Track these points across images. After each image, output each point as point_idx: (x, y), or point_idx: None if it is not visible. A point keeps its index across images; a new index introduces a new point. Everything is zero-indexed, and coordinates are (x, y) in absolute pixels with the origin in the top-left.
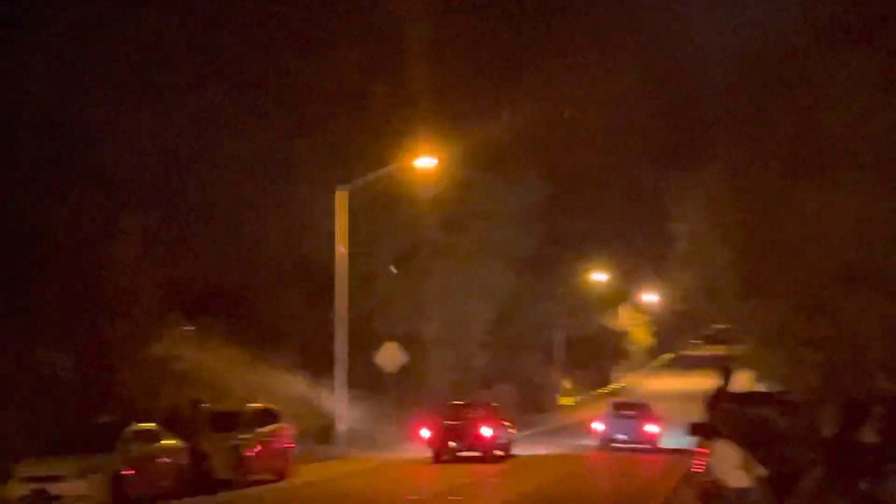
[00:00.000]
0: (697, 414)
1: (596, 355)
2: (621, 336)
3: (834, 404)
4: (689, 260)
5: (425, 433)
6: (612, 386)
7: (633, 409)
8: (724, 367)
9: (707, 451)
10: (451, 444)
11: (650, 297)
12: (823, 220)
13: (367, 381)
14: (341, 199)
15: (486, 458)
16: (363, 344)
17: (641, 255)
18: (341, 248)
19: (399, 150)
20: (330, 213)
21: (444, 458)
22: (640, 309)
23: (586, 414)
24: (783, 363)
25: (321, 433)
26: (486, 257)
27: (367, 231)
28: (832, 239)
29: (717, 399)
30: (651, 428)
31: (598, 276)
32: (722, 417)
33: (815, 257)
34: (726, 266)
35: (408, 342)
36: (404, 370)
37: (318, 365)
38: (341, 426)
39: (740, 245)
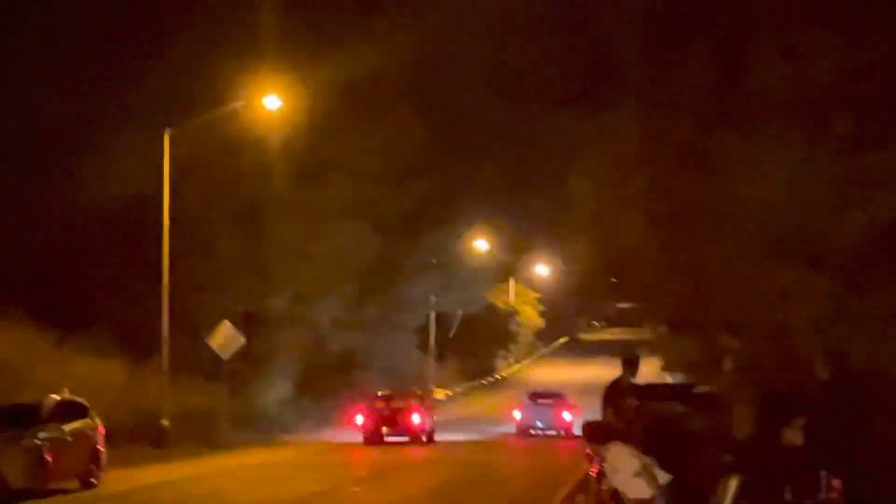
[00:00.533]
0: (594, 410)
1: (478, 339)
2: (509, 316)
3: (753, 399)
4: (590, 226)
5: (359, 419)
6: (497, 375)
7: (549, 398)
8: (628, 355)
9: (601, 453)
10: (384, 429)
11: (543, 271)
12: (748, 181)
13: (200, 367)
14: (167, 144)
15: (415, 443)
16: (195, 322)
17: (533, 219)
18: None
19: (242, 89)
20: (158, 166)
21: (374, 441)
22: (530, 285)
23: (462, 410)
24: (697, 350)
25: (145, 429)
26: (346, 218)
27: (203, 186)
28: (759, 204)
29: (617, 392)
30: (567, 416)
31: (482, 245)
32: (622, 415)
33: (739, 226)
34: (634, 234)
35: (250, 320)
36: (244, 354)
37: (143, 348)
38: (164, 421)
39: (652, 210)
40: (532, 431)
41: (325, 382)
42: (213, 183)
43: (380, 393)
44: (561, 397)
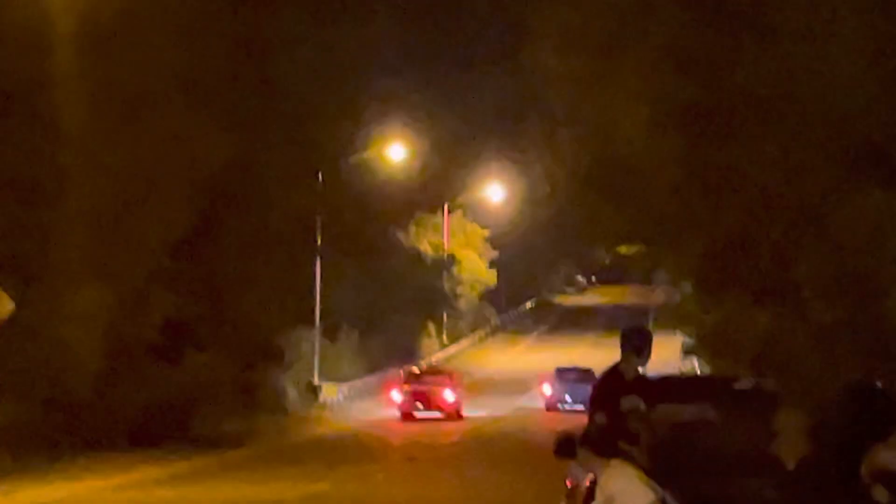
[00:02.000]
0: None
1: (392, 305)
2: (441, 267)
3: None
4: (567, 122)
5: (396, 396)
6: (419, 364)
7: (577, 373)
8: (633, 330)
9: (593, 473)
10: (418, 405)
11: (494, 195)
12: (820, 50)
13: None
14: None
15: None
16: None
17: (477, 113)
18: None
19: None
20: None
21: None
22: (475, 218)
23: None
24: (740, 318)
25: None
26: (172, 108)
27: None
28: (836, 88)
29: (615, 388)
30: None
31: (397, 153)
32: (622, 423)
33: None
34: (638, 133)
35: (22, 276)
36: (9, 330)
37: None
38: None
39: (667, 94)
40: (560, 407)
41: (135, 375)
42: None
43: (415, 370)
44: (590, 373)
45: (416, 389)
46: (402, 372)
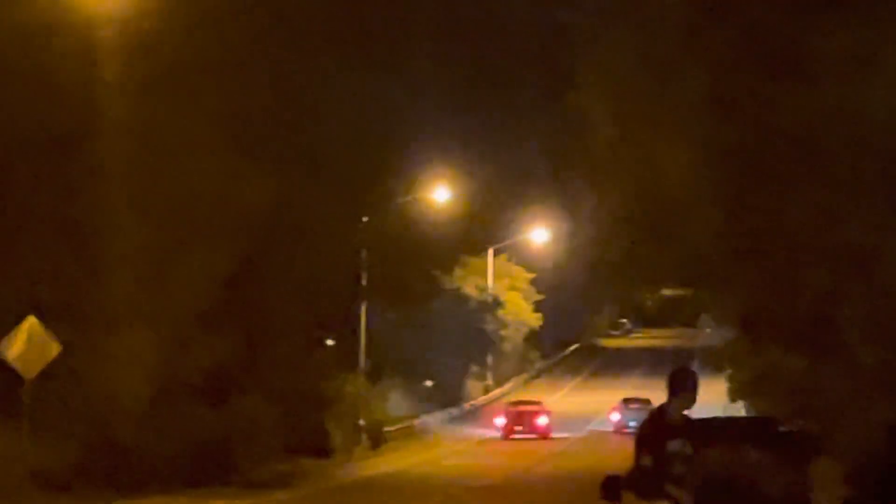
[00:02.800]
0: (623, 460)
1: (436, 347)
2: (486, 310)
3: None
4: (610, 164)
5: (499, 421)
6: (466, 405)
7: (639, 403)
8: (680, 372)
9: None
10: (517, 428)
11: (539, 237)
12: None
13: None
14: None
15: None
16: None
17: (521, 158)
18: None
19: None
20: None
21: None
22: (520, 260)
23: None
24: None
25: None
26: (216, 151)
27: None
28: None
29: (661, 430)
30: None
31: (442, 195)
32: (667, 465)
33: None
34: (682, 175)
35: (62, 317)
36: (54, 371)
37: None
38: None
39: (711, 135)
40: (627, 429)
41: (180, 418)
42: (4, 93)
43: (513, 400)
44: (649, 402)
45: (516, 415)
46: (504, 403)
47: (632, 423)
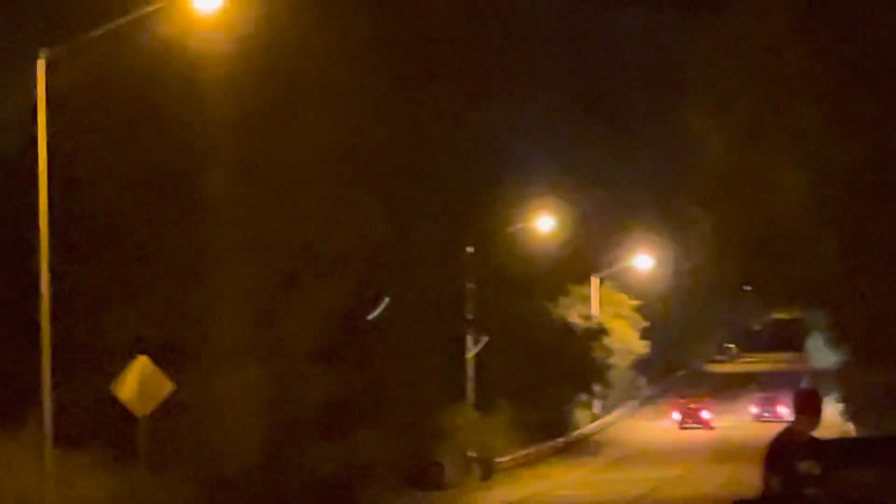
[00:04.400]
0: (748, 484)
1: (543, 376)
2: (592, 339)
3: None
4: (721, 190)
5: (676, 415)
6: (571, 435)
7: (768, 397)
8: (806, 393)
9: None
10: (688, 421)
11: (643, 264)
12: None
13: (100, 434)
14: (41, 73)
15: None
16: (90, 361)
17: (626, 183)
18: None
19: None
20: (26, 109)
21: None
22: (624, 288)
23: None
24: None
25: None
26: (326, 186)
27: (100, 138)
28: None
29: (789, 451)
30: (782, 409)
31: (546, 224)
32: (797, 486)
33: None
34: (798, 201)
35: (178, 355)
36: (168, 410)
37: (10, 406)
38: None
39: (829, 160)
40: (763, 419)
41: (296, 453)
42: (116, 134)
43: (683, 399)
44: (776, 397)
45: (687, 411)
46: (680, 399)
47: (765, 414)
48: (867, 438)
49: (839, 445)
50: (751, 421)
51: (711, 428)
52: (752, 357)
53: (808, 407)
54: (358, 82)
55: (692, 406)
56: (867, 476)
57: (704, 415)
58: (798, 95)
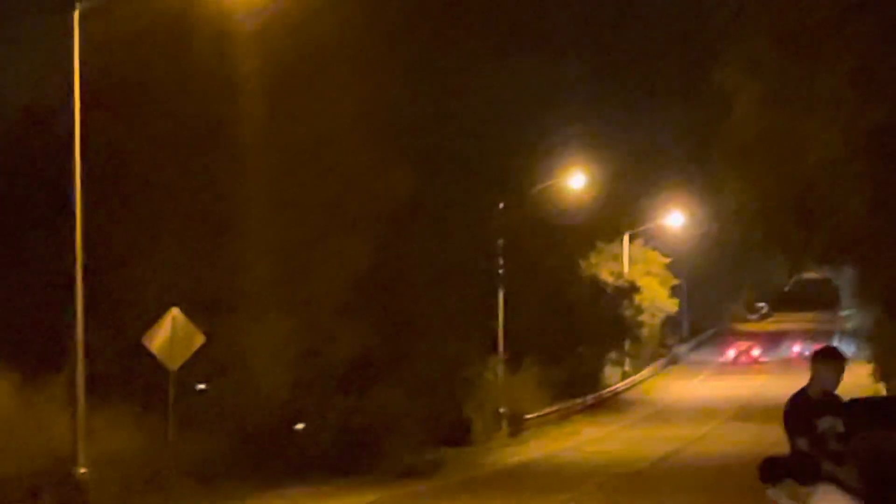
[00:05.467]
0: (775, 442)
1: (572, 334)
2: (622, 296)
3: None
4: (753, 148)
5: (731, 353)
6: (600, 393)
7: (810, 336)
8: (827, 351)
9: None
10: (741, 357)
11: (675, 221)
12: None
13: (132, 386)
14: (76, 24)
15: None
16: (122, 315)
17: (656, 142)
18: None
19: None
20: (60, 65)
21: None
22: (655, 245)
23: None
24: None
25: (50, 483)
26: (354, 143)
27: (132, 98)
28: None
29: (807, 411)
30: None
31: (577, 181)
32: (822, 445)
33: None
34: (829, 159)
35: (210, 308)
36: (199, 363)
37: (42, 358)
38: (80, 470)
39: (859, 118)
40: (803, 357)
41: (322, 408)
42: (149, 87)
43: (736, 340)
44: (817, 338)
45: (740, 350)
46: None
47: (806, 352)
48: (890, 398)
49: (866, 404)
50: (794, 357)
51: (761, 363)
52: (782, 316)
53: (829, 365)
54: (387, 38)
55: (744, 346)
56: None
57: (754, 352)
58: (827, 53)
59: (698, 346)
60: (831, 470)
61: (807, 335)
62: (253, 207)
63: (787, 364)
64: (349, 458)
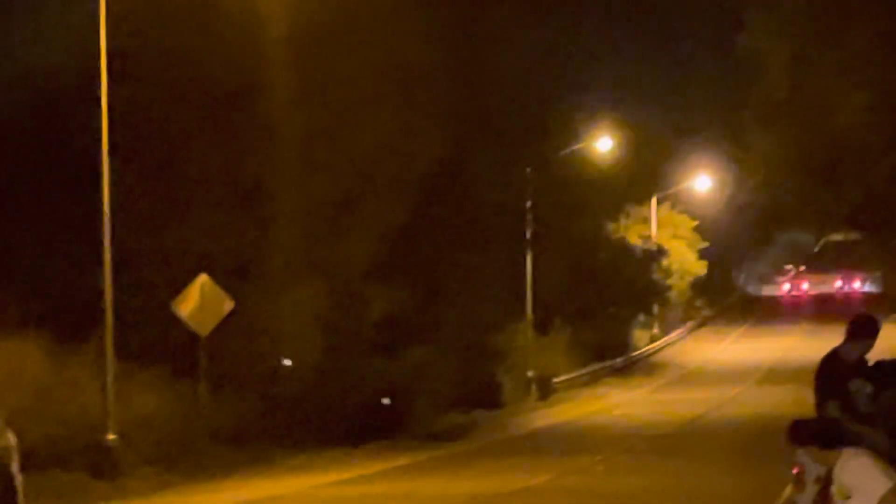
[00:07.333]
0: (804, 404)
1: (602, 297)
2: (651, 259)
3: None
4: (782, 108)
5: (786, 286)
6: (629, 355)
7: (848, 272)
8: (862, 317)
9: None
10: (794, 292)
11: (703, 184)
12: None
13: (162, 352)
14: None
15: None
16: (151, 280)
17: (691, 99)
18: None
19: None
20: (87, 29)
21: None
22: (683, 208)
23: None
24: None
25: (80, 448)
26: (386, 105)
27: (159, 60)
28: None
29: (839, 373)
30: (856, 284)
31: (605, 144)
32: (853, 408)
33: None
34: (858, 119)
35: (239, 275)
36: (228, 329)
37: (71, 323)
38: (109, 436)
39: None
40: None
41: (354, 371)
42: (177, 57)
43: (800, 267)
44: (854, 274)
45: (793, 283)
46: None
47: (846, 287)
48: None
49: (892, 365)
50: (837, 289)
51: (810, 294)
52: (809, 279)
53: (863, 331)
54: (418, 1)
55: (796, 279)
56: None
57: (804, 286)
58: (855, 18)
59: (726, 309)
60: (861, 432)
61: (846, 274)
62: (283, 171)
63: (831, 298)
64: (380, 420)
